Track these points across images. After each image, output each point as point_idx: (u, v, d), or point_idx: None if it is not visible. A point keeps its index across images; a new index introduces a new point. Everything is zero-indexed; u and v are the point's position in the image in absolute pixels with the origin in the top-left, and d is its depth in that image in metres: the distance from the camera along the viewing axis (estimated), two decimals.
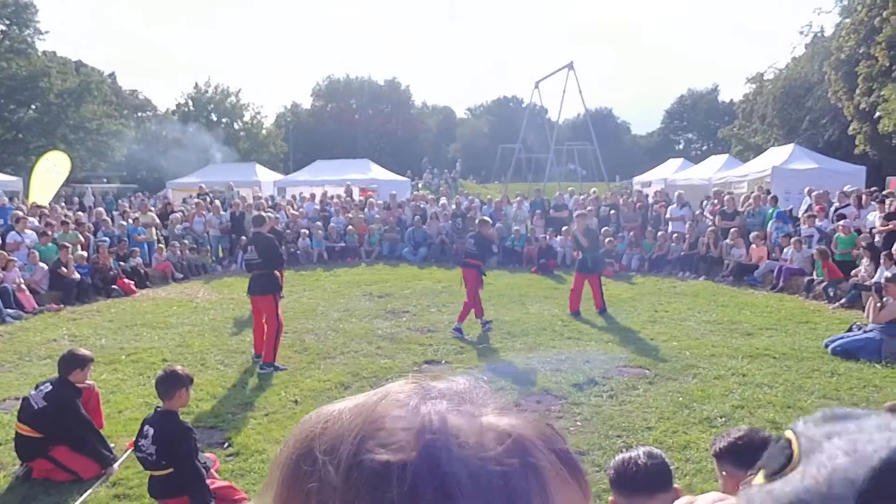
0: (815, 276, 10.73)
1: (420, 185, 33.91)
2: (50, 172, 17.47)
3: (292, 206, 17.54)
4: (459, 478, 0.38)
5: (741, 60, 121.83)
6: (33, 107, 35.99)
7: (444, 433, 0.40)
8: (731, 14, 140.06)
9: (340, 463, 0.40)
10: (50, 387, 4.44)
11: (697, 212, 15.13)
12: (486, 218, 10.04)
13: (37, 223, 12.44)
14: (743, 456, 1.95)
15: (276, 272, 7.03)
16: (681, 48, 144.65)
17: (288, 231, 15.52)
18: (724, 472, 2.04)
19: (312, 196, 18.59)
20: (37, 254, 10.88)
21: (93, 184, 33.71)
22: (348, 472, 0.40)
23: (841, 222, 11.41)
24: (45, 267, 10.78)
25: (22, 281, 10.09)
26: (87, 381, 4.71)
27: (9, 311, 9.31)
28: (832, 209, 12.64)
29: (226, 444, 4.85)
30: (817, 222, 12.27)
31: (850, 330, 7.30)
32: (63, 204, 17.62)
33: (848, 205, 12.44)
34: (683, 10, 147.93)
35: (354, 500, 0.39)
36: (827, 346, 7.20)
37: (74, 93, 36.47)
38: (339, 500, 0.39)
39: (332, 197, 18.48)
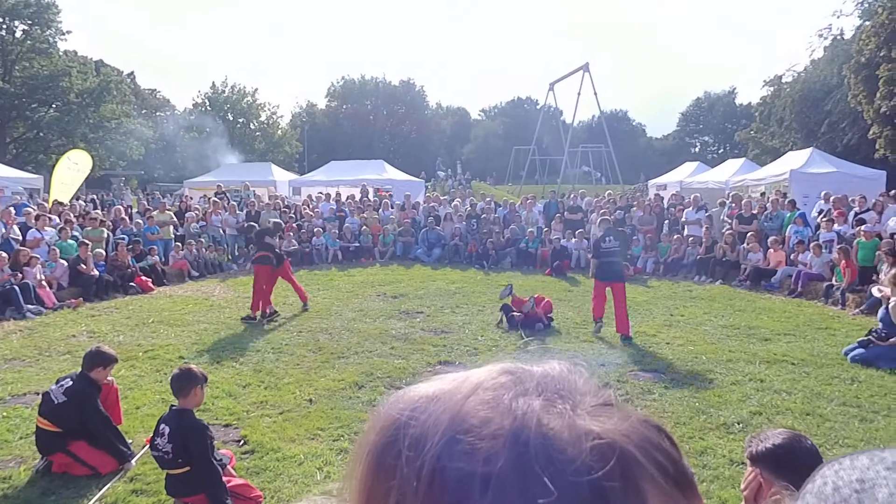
0: (834, 282, 10.59)
1: (430, 186, 33.73)
2: (71, 171, 17.74)
3: (307, 206, 17.65)
4: (548, 498, 0.35)
5: (758, 63, 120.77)
6: (54, 106, 36.53)
7: (535, 445, 0.37)
8: (749, 16, 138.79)
9: (424, 465, 0.38)
10: (70, 382, 4.50)
11: (715, 209, 15.00)
12: None
13: (57, 220, 12.63)
14: (782, 464, 1.79)
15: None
16: (697, 50, 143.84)
17: (303, 231, 15.63)
18: (756, 475, 1.85)
19: (327, 196, 18.69)
20: (57, 250, 11.04)
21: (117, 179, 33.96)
22: (431, 477, 0.38)
23: (861, 227, 11.25)
24: (65, 263, 10.93)
25: (43, 277, 10.24)
26: (107, 378, 4.76)
27: (29, 306, 9.46)
28: (851, 214, 12.48)
29: (241, 442, 4.88)
30: (836, 227, 12.11)
31: (869, 333, 7.19)
32: (84, 200, 17.88)
33: (868, 209, 12.27)
34: (699, 11, 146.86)
35: None
36: (846, 354, 7.10)
37: (94, 92, 36.98)
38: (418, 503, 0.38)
39: (347, 198, 18.57)
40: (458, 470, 0.37)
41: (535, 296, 8.97)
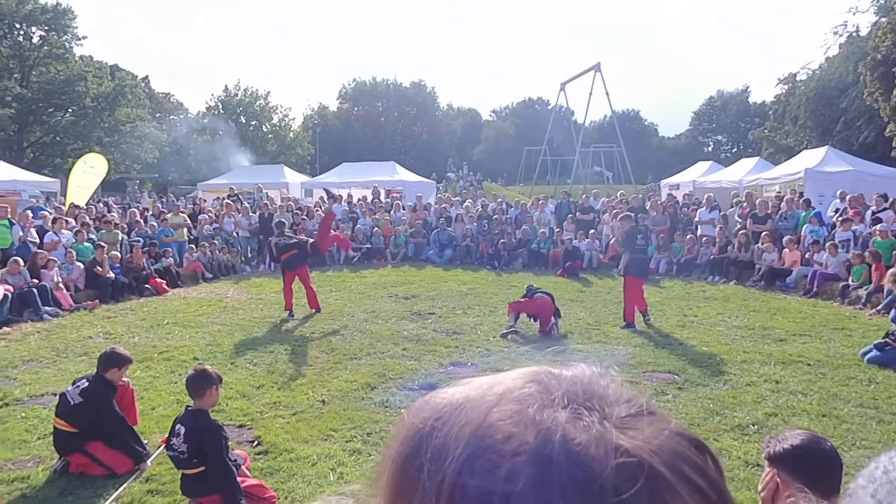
0: (850, 282, 10.44)
1: (441, 187, 33.61)
2: (87, 174, 17.97)
3: (319, 208, 17.72)
4: None
5: (772, 61, 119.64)
6: (70, 110, 36.99)
7: (558, 462, 0.35)
8: (762, 13, 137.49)
9: (445, 479, 0.37)
10: (86, 383, 4.55)
11: (729, 210, 14.89)
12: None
13: (73, 223, 12.80)
14: (800, 466, 1.78)
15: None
16: (703, 48, 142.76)
17: (315, 233, 15.68)
18: (774, 476, 1.84)
19: (339, 198, 18.75)
20: (74, 253, 11.19)
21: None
22: (451, 493, 0.37)
23: (878, 226, 11.09)
24: (82, 266, 11.07)
25: (59, 279, 10.37)
26: (123, 379, 4.81)
27: (46, 308, 9.58)
28: (868, 213, 12.32)
29: (255, 443, 4.91)
30: (853, 226, 11.95)
31: (887, 335, 7.08)
32: (101, 204, 18.11)
33: (885, 208, 12.10)
34: (712, 9, 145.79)
35: None
36: (863, 356, 7.01)
37: (109, 96, 37.41)
38: None
39: (358, 199, 18.63)
40: (479, 487, 0.36)
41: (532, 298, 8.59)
